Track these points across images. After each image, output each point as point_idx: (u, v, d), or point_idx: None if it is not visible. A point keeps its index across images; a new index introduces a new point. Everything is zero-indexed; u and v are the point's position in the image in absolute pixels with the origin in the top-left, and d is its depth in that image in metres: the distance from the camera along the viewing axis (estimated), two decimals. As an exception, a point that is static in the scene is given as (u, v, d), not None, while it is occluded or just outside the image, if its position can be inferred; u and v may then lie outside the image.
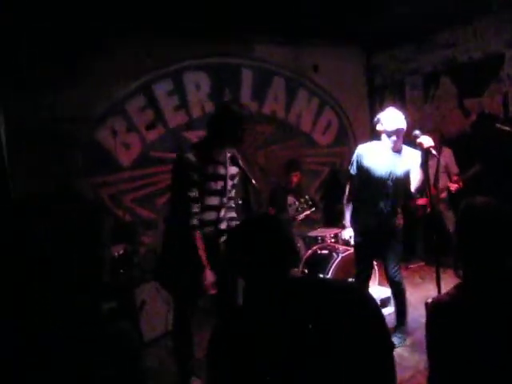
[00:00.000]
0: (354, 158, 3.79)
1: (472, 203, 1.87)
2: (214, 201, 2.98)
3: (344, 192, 4.15)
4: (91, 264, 1.34)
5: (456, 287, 1.81)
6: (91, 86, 4.87)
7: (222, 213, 3.06)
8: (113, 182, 5.14)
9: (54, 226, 1.28)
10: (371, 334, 1.53)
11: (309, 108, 6.81)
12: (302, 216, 5.26)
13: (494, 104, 5.67)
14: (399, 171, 3.61)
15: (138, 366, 1.33)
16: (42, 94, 4.62)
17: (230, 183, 3.07)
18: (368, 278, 3.97)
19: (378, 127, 3.64)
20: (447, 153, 5.60)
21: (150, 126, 5.45)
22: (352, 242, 3.94)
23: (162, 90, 5.52)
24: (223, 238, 3.07)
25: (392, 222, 3.78)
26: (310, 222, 5.73)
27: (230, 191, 3.10)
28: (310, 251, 4.97)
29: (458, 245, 1.88)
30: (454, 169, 5.56)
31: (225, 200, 3.05)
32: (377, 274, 4.68)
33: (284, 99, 6.56)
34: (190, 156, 2.84)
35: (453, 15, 5.52)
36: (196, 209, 2.83)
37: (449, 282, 3.19)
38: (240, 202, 4.41)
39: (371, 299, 1.65)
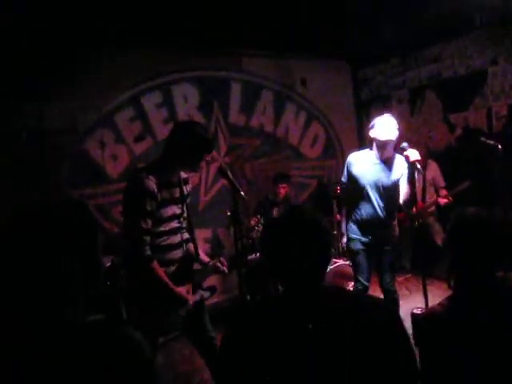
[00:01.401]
0: (345, 165, 3.86)
1: (463, 214, 1.89)
2: (173, 224, 2.83)
3: (332, 205, 4.18)
4: (91, 274, 1.32)
5: (448, 298, 1.83)
6: (80, 97, 4.85)
7: (184, 235, 2.94)
8: (100, 194, 5.10)
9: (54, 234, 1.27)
10: (397, 357, 1.47)
11: (296, 121, 6.85)
12: None
13: (478, 119, 5.77)
14: (388, 180, 3.64)
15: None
16: (30, 103, 4.58)
17: (185, 204, 2.95)
18: (367, 287, 3.95)
19: (371, 133, 3.68)
20: (433, 166, 5.67)
21: (139, 138, 5.44)
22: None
23: (150, 102, 5.51)
24: (194, 263, 2.97)
25: (387, 231, 3.78)
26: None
27: (186, 213, 2.96)
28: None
29: (450, 255, 1.90)
30: (441, 182, 5.63)
31: (183, 222, 2.93)
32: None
33: (272, 112, 6.59)
34: (148, 181, 2.63)
35: (438, 31, 5.63)
36: (148, 240, 2.64)
37: (436, 294, 3.25)
38: (229, 213, 4.40)
39: (400, 322, 1.59)
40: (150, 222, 2.64)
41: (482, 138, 4.59)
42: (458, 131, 6.03)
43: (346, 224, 3.91)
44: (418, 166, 3.31)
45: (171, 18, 4.72)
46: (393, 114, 6.66)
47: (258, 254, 5.15)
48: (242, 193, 2.80)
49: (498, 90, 5.56)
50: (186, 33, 5.11)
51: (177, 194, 2.87)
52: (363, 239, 3.76)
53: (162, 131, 5.59)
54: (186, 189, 2.98)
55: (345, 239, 3.97)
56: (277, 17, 4.98)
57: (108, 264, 4.30)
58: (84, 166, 5.02)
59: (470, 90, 5.80)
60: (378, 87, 7.15)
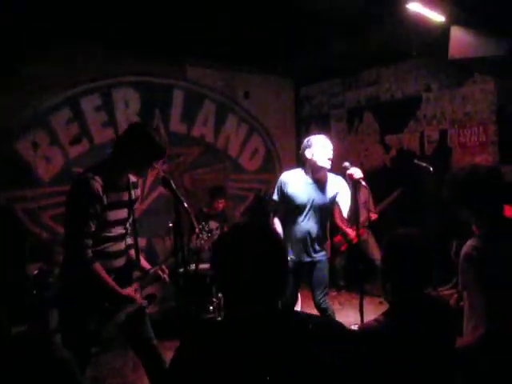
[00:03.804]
0: (278, 184, 3.83)
1: (395, 234, 2.01)
2: (119, 230, 2.74)
3: (268, 218, 4.13)
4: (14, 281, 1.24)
5: (384, 314, 1.90)
6: (15, 95, 4.62)
7: (128, 241, 2.86)
8: (30, 197, 4.85)
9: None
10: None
11: (237, 133, 6.88)
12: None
13: (412, 141, 6.07)
14: (321, 199, 3.69)
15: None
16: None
17: (133, 209, 2.84)
18: (293, 305, 3.98)
19: (307, 153, 3.66)
20: (365, 191, 5.86)
21: (75, 141, 5.24)
22: None
23: (89, 104, 5.33)
24: (135, 270, 2.88)
25: (319, 249, 3.81)
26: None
27: (133, 217, 2.86)
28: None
29: (384, 274, 1.99)
30: (372, 206, 5.87)
31: (129, 227, 2.84)
32: (299, 301, 4.72)
33: (213, 123, 6.58)
34: (93, 182, 2.51)
35: (377, 57, 5.89)
36: (90, 243, 2.54)
37: (368, 309, 3.34)
38: (171, 224, 4.32)
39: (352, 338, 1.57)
40: (92, 225, 2.54)
41: (416, 160, 4.81)
42: (393, 152, 6.30)
43: None
44: (363, 182, 3.38)
45: (117, 19, 4.61)
46: (331, 132, 6.93)
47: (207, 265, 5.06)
48: (186, 204, 2.74)
49: (430, 115, 5.88)
50: (131, 36, 5.01)
51: (125, 197, 2.77)
52: (294, 258, 3.76)
53: (100, 135, 5.44)
54: (135, 193, 2.88)
55: None
56: (225, 29, 4.99)
57: (35, 271, 4.09)
58: (14, 167, 4.76)
59: (405, 113, 6.10)
60: (318, 105, 7.35)
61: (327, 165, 3.62)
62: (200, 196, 6.16)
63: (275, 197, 3.85)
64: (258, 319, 1.38)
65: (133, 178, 2.86)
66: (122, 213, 2.75)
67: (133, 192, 2.84)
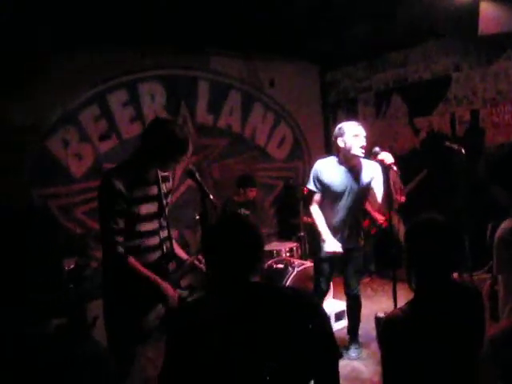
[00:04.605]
0: (313, 173, 3.77)
1: (417, 221, 1.95)
2: (153, 225, 2.77)
3: (299, 207, 4.07)
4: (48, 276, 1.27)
5: (408, 302, 1.87)
6: (44, 94, 4.70)
7: (162, 235, 2.86)
8: (64, 194, 4.96)
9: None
10: (321, 344, 1.61)
11: (264, 122, 6.85)
12: None
13: (442, 123, 5.92)
14: (357, 186, 3.65)
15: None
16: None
17: (164, 203, 2.86)
18: (327, 292, 3.97)
19: (340, 143, 3.61)
20: (393, 172, 5.77)
21: (104, 137, 5.32)
22: (341, 251, 3.66)
23: (116, 100, 5.40)
24: (171, 264, 2.90)
25: (355, 236, 3.81)
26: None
27: (165, 211, 2.88)
28: (265, 265, 4.96)
29: (408, 261, 1.95)
30: (399, 185, 5.76)
31: (162, 221, 2.85)
32: (331, 288, 4.71)
33: (240, 113, 6.57)
34: (116, 181, 2.57)
35: (404, 37, 5.73)
36: (120, 239, 2.59)
37: (402, 295, 3.29)
38: (197, 217, 4.32)
39: (323, 313, 1.74)
40: (120, 221, 2.59)
41: (447, 143, 4.69)
42: (423, 135, 6.17)
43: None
44: (395, 167, 3.30)
45: (138, 15, 4.63)
46: (358, 117, 6.82)
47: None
48: (211, 196, 2.73)
49: (461, 96, 5.71)
50: (154, 30, 5.02)
51: (154, 191, 2.79)
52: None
53: (128, 130, 5.51)
54: (166, 186, 2.90)
55: (331, 244, 3.71)
56: (246, 17, 4.95)
57: (71, 266, 4.19)
58: (47, 165, 4.87)
59: (435, 94, 5.95)
60: (345, 90, 7.24)
61: (360, 153, 3.56)
62: (229, 186, 6.17)
63: (311, 186, 3.79)
64: (235, 290, 1.66)
65: (163, 172, 2.88)
66: (153, 207, 2.78)
67: (163, 186, 2.86)
